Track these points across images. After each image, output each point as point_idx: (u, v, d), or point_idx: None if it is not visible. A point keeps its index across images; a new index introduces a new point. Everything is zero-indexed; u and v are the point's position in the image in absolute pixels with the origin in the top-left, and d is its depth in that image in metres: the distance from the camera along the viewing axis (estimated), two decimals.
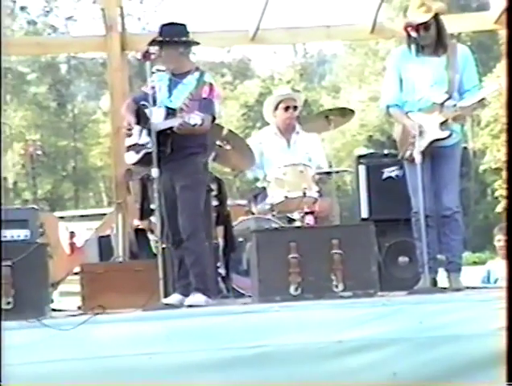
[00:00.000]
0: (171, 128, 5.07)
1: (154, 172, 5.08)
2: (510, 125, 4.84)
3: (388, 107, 5.51)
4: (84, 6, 32.70)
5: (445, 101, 5.30)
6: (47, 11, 33.47)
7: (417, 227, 5.32)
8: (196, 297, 5.02)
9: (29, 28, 31.64)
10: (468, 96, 5.36)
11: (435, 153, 5.32)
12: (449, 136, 5.30)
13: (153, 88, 5.27)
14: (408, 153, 5.36)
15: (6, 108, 27.88)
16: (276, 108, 6.96)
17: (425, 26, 5.32)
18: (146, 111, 5.16)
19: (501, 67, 30.48)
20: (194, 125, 4.96)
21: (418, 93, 5.34)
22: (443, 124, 5.30)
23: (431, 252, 5.23)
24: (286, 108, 6.91)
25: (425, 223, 5.16)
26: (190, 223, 5.10)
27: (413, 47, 5.38)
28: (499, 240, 7.21)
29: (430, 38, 5.36)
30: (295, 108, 6.95)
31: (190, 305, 4.92)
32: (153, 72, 5.33)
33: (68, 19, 33.70)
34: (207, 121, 5.12)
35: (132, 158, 5.36)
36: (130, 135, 5.28)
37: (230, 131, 6.41)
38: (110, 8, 7.84)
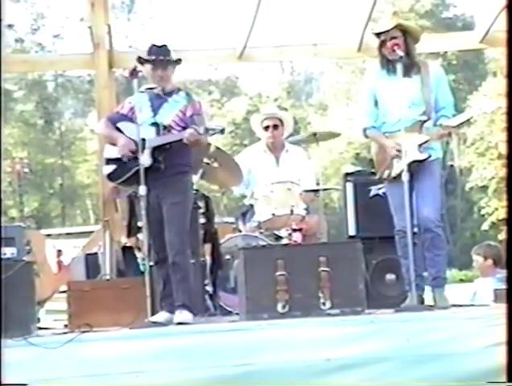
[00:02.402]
0: (169, 142, 5.10)
1: (142, 189, 5.08)
2: (510, 126, 4.86)
3: (365, 130, 5.52)
4: (72, 23, 32.74)
5: (424, 122, 5.33)
6: (35, 29, 33.53)
7: (401, 245, 5.34)
8: (184, 315, 5.01)
9: (16, 46, 31.66)
10: (446, 113, 5.38)
11: (413, 170, 5.33)
12: (428, 158, 5.31)
13: (132, 108, 5.29)
14: (387, 173, 5.40)
15: None
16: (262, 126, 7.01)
17: (391, 37, 5.35)
18: (130, 129, 5.18)
19: (487, 85, 30.74)
20: (213, 134, 5.10)
21: (395, 114, 5.33)
22: (422, 145, 5.31)
23: (417, 269, 5.24)
24: (266, 128, 6.94)
25: (407, 241, 5.17)
26: (179, 239, 5.10)
27: (384, 67, 5.41)
28: (476, 260, 7.27)
29: (398, 53, 5.36)
30: (276, 126, 6.95)
31: (179, 323, 4.91)
32: (142, 92, 5.35)
33: (56, 37, 33.78)
34: (223, 133, 5.24)
35: (116, 176, 5.33)
36: (130, 157, 5.22)
37: (218, 148, 6.41)
38: (98, 26, 7.86)
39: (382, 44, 5.40)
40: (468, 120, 5.41)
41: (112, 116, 5.50)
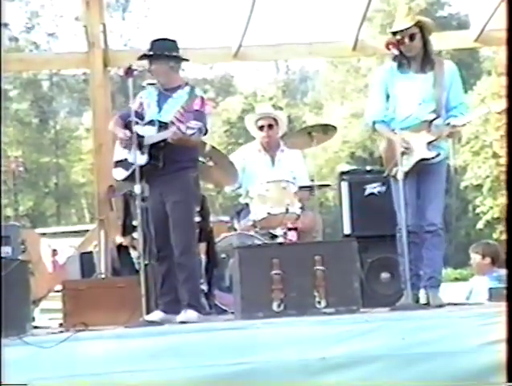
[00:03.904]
0: (164, 140, 5.08)
1: (137, 188, 5.07)
2: (510, 126, 4.86)
3: (374, 123, 5.50)
4: (67, 22, 32.75)
5: (433, 120, 5.31)
6: (29, 28, 33.49)
7: (402, 243, 5.32)
8: (189, 314, 5.01)
9: (11, 45, 31.61)
10: (457, 113, 5.36)
11: (421, 170, 5.32)
12: (436, 156, 5.30)
13: (141, 104, 5.28)
14: (395, 170, 5.35)
15: None
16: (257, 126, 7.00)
17: (410, 35, 5.33)
18: (136, 127, 5.17)
19: (482, 84, 30.74)
20: (192, 135, 4.98)
21: (405, 111, 5.32)
22: (431, 143, 5.30)
23: (415, 268, 5.24)
24: (261, 128, 6.93)
25: (409, 240, 5.16)
26: (183, 238, 5.10)
27: (400, 63, 5.36)
28: (474, 258, 7.27)
29: (415, 49, 5.35)
30: (270, 126, 6.93)
31: (182, 322, 4.90)
32: (143, 86, 5.35)
33: (50, 36, 33.74)
34: (201, 132, 5.15)
35: (121, 174, 5.34)
36: (126, 146, 5.22)
37: (213, 147, 6.40)
38: (93, 25, 7.85)
39: (399, 41, 5.34)
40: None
41: (123, 112, 5.47)
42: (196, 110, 5.19)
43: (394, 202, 5.41)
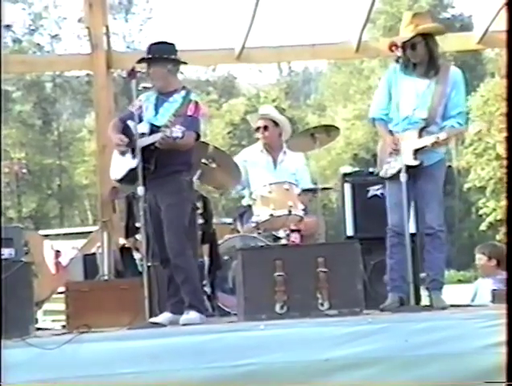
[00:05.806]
0: (153, 143, 5.09)
1: (140, 190, 5.08)
2: (510, 129, 4.85)
3: (374, 120, 5.51)
4: (70, 24, 32.81)
5: (423, 129, 5.29)
6: (33, 30, 33.57)
7: (389, 243, 5.33)
8: (191, 315, 5.01)
9: (14, 46, 31.68)
10: (453, 123, 5.31)
11: (416, 172, 5.30)
12: (419, 165, 5.25)
13: (140, 107, 5.29)
14: (383, 170, 5.38)
15: None
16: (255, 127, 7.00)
17: (411, 44, 5.30)
18: (133, 129, 5.17)
19: (485, 86, 30.72)
20: (175, 139, 4.97)
21: (402, 113, 5.30)
22: (419, 151, 5.25)
23: (400, 271, 5.22)
24: (257, 129, 6.94)
25: (396, 241, 5.17)
26: (176, 241, 5.10)
27: (405, 65, 5.34)
28: (480, 259, 7.25)
29: (418, 57, 5.32)
30: (266, 127, 6.91)
31: (185, 324, 4.90)
32: (139, 90, 5.34)
33: (54, 38, 33.82)
34: (189, 137, 5.13)
35: (118, 174, 5.34)
36: (123, 152, 5.23)
37: (216, 148, 6.39)
38: (96, 27, 7.86)
39: (403, 45, 5.31)
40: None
41: (123, 114, 5.47)
42: (189, 116, 5.18)
43: (386, 202, 5.42)
